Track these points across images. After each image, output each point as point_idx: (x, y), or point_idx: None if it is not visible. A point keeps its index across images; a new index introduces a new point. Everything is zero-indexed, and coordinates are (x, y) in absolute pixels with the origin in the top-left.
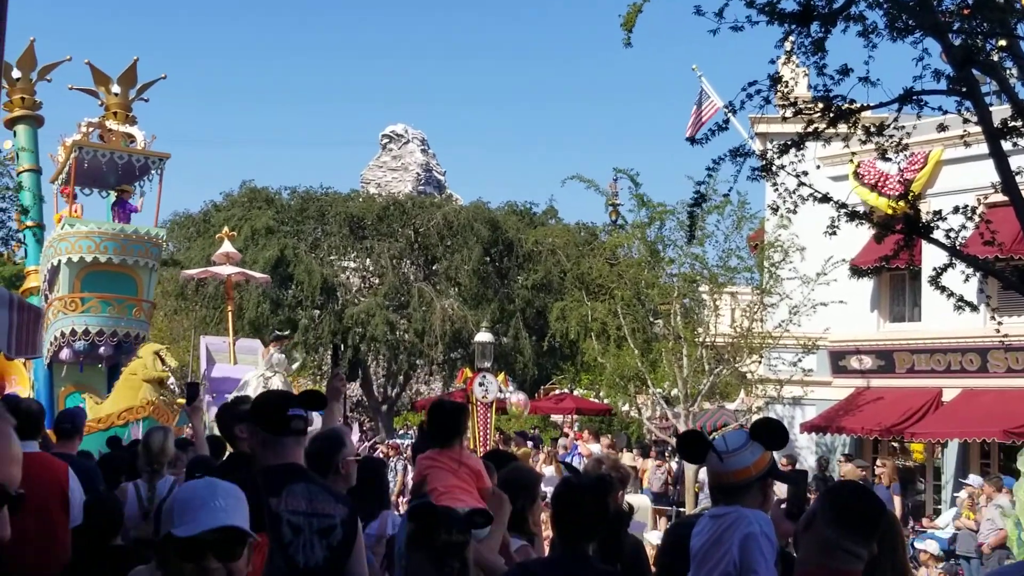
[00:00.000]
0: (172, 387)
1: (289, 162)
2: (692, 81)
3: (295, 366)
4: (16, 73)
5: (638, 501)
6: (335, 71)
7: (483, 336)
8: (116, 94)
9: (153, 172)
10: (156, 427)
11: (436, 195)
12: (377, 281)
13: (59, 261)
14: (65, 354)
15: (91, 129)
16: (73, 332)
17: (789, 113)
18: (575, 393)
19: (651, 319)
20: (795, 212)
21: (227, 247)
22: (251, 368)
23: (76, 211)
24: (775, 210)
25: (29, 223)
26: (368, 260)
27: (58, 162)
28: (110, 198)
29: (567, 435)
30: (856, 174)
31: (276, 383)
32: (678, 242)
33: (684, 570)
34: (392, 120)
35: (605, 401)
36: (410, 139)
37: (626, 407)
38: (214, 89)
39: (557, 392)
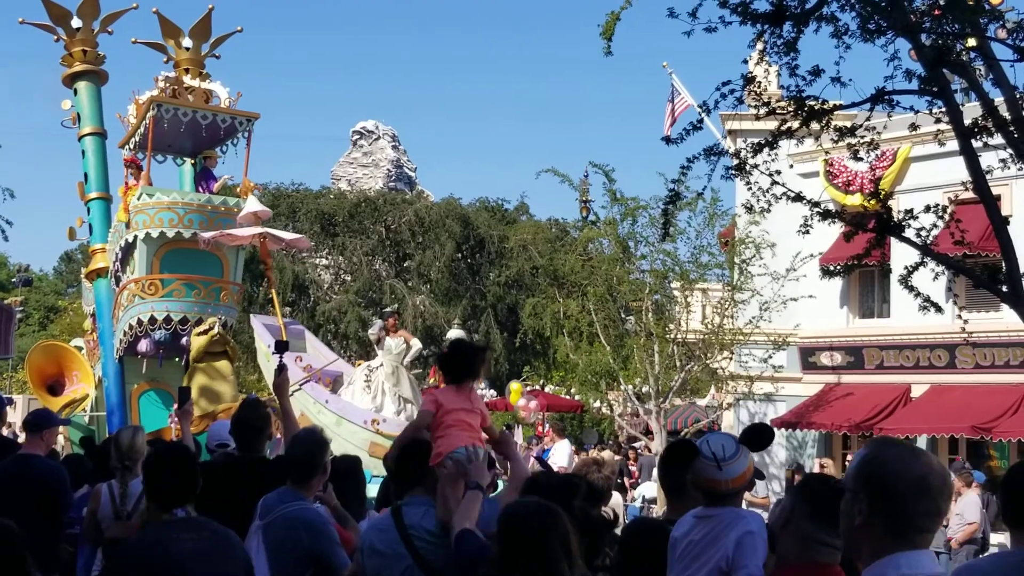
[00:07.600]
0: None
1: (259, 158)
2: (663, 77)
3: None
4: (76, 22)
5: (612, 501)
6: (305, 66)
7: (455, 333)
8: (187, 48)
9: (240, 134)
10: (126, 426)
11: (407, 191)
12: (349, 278)
13: (134, 237)
14: (144, 345)
15: (168, 85)
16: (152, 320)
17: (762, 112)
18: (547, 390)
19: (622, 315)
20: (769, 211)
21: (254, 204)
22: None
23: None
24: (749, 209)
25: (94, 194)
26: (340, 257)
27: (128, 123)
28: (185, 166)
29: (540, 437)
30: (828, 173)
31: (393, 382)
32: (650, 239)
33: (646, 570)
34: (363, 116)
35: (576, 398)
36: (381, 135)
37: (597, 404)
38: None
39: (529, 389)
